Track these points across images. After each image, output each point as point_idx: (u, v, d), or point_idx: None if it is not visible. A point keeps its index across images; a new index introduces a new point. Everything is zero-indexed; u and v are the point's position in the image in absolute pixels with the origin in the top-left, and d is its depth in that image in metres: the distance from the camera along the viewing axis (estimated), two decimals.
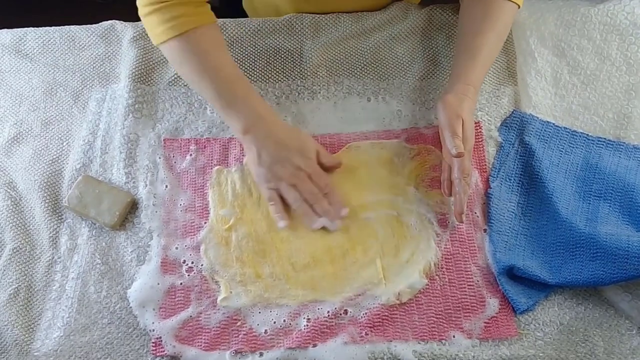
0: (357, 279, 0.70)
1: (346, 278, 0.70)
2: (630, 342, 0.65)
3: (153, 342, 0.67)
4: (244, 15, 0.91)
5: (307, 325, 0.67)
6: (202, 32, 0.72)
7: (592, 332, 0.66)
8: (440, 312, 0.68)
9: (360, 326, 0.67)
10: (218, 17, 0.87)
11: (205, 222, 0.73)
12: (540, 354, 0.65)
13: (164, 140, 0.78)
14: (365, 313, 0.68)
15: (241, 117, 0.72)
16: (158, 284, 0.70)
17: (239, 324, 0.68)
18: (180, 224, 0.73)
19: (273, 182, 0.71)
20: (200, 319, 0.68)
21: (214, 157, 0.77)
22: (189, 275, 0.70)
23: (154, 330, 0.67)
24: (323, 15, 0.87)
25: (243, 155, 0.76)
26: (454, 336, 0.66)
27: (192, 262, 0.71)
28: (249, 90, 0.73)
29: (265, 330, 0.67)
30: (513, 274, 0.69)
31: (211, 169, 0.76)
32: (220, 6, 1.06)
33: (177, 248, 0.72)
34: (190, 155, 0.78)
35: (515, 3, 0.75)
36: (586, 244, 0.67)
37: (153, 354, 0.66)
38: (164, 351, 0.66)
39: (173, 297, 0.69)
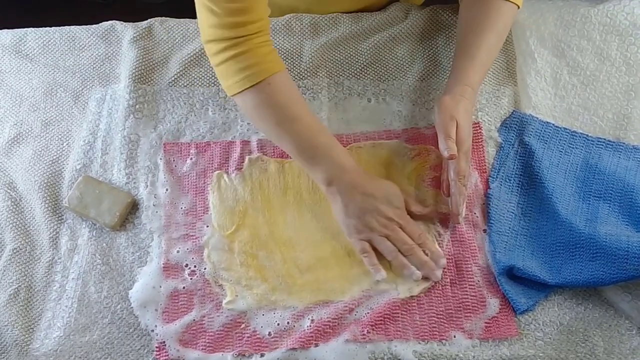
0: (364, 279, 0.70)
1: (352, 278, 0.70)
2: (630, 342, 0.65)
3: (157, 347, 0.67)
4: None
5: (311, 325, 0.67)
6: (277, 81, 0.70)
7: (592, 332, 0.66)
8: (441, 312, 0.68)
9: (362, 325, 0.67)
10: None
11: (207, 226, 0.73)
12: (541, 354, 0.65)
13: (164, 144, 0.78)
14: (368, 313, 0.68)
15: (324, 169, 0.69)
16: (160, 286, 0.70)
17: (242, 326, 0.68)
18: (182, 227, 0.73)
19: (365, 233, 0.69)
20: (203, 322, 0.68)
21: (215, 161, 0.77)
22: (191, 279, 0.70)
23: (157, 335, 0.67)
24: (322, 16, 0.87)
25: (244, 157, 0.77)
26: (454, 336, 0.66)
27: (195, 266, 0.71)
28: (331, 141, 0.71)
29: (269, 332, 0.67)
30: (513, 274, 0.69)
31: (212, 172, 0.76)
32: None
33: (178, 252, 0.72)
34: (191, 159, 0.78)
35: (514, 3, 0.74)
36: (586, 244, 0.67)
37: (157, 358, 0.66)
38: (167, 356, 0.66)
39: (176, 301, 0.69)
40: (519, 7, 0.76)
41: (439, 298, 0.69)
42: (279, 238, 0.72)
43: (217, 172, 0.76)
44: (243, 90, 0.69)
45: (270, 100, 0.69)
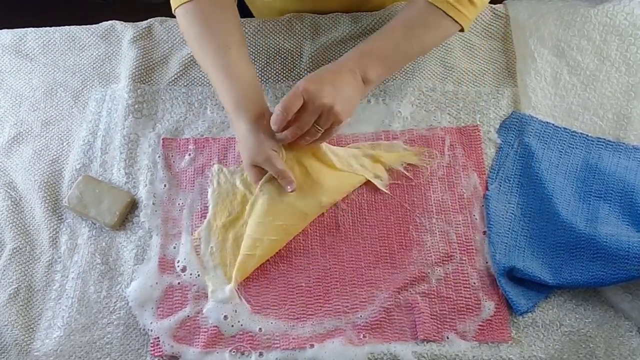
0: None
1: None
2: (630, 342, 0.65)
3: (151, 343, 0.67)
4: (244, 15, 0.91)
5: (308, 327, 0.67)
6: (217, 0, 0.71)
7: (592, 333, 0.66)
8: (435, 314, 0.68)
9: (358, 329, 0.67)
10: None
11: (203, 220, 0.73)
12: (541, 355, 0.65)
13: (162, 139, 0.78)
14: (361, 316, 0.68)
15: (233, 98, 0.70)
16: (157, 283, 0.70)
17: (239, 325, 0.68)
18: (178, 223, 0.74)
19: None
20: (197, 318, 0.68)
21: (213, 157, 0.77)
22: (184, 274, 0.71)
23: (152, 330, 0.67)
24: (323, 16, 0.87)
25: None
26: (447, 337, 0.66)
27: (187, 261, 0.71)
28: (248, 69, 0.71)
29: (260, 328, 0.67)
30: (513, 276, 0.69)
31: (210, 168, 0.76)
32: None
33: (174, 247, 0.72)
34: (189, 154, 0.78)
35: (457, 23, 0.70)
36: (586, 245, 0.67)
37: (152, 354, 0.66)
38: (162, 351, 0.66)
39: (171, 296, 0.70)
40: (462, 29, 0.72)
41: (434, 300, 0.69)
42: (274, 236, 0.72)
43: (217, 165, 0.76)
44: (183, 4, 0.71)
45: (203, 18, 0.71)
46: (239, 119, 0.69)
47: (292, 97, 0.64)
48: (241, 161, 0.76)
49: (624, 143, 0.77)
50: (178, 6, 0.72)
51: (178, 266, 0.71)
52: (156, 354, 0.66)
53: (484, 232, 0.72)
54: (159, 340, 0.67)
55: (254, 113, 0.69)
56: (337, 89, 0.65)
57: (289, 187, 0.68)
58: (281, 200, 0.70)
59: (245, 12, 1.02)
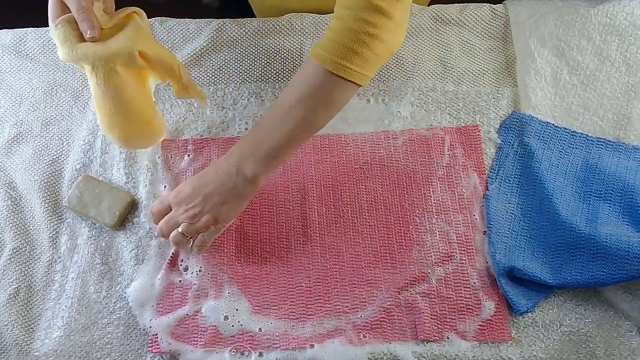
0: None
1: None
2: (630, 342, 0.66)
3: (150, 339, 0.67)
4: (244, 15, 0.91)
5: (308, 327, 0.67)
6: None
7: (592, 333, 0.66)
8: (435, 313, 0.68)
9: (358, 329, 0.67)
10: (218, 17, 0.88)
11: None
12: (541, 355, 0.65)
13: (161, 141, 0.78)
14: (361, 316, 0.68)
15: None
16: (158, 281, 0.70)
17: (239, 325, 0.68)
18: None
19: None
20: (197, 317, 0.68)
21: (212, 158, 0.77)
22: (186, 273, 0.71)
23: (151, 327, 0.68)
24: (323, 16, 0.87)
25: None
26: (447, 337, 0.66)
27: (191, 260, 0.71)
28: None
29: (260, 328, 0.67)
30: (513, 276, 0.69)
31: None
32: (220, 6, 1.06)
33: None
34: (188, 155, 0.78)
35: (355, 83, 0.61)
36: (586, 245, 0.67)
37: (150, 350, 0.66)
38: (159, 348, 0.66)
39: (171, 294, 0.70)
40: (359, 86, 0.63)
41: (434, 300, 0.69)
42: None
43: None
44: None
45: None
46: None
47: (157, 204, 0.69)
48: None
49: (624, 143, 0.77)
50: None
51: (181, 265, 0.71)
52: (154, 351, 0.66)
53: (484, 232, 0.72)
54: (157, 337, 0.67)
55: None
56: (206, 197, 0.66)
57: (88, 31, 0.59)
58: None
59: (245, 12, 1.02)
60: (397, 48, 0.62)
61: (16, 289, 0.71)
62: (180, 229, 0.67)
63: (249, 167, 0.64)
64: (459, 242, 0.72)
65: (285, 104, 0.63)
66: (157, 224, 0.69)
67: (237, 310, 0.68)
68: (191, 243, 0.68)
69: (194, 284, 0.70)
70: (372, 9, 0.57)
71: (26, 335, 0.68)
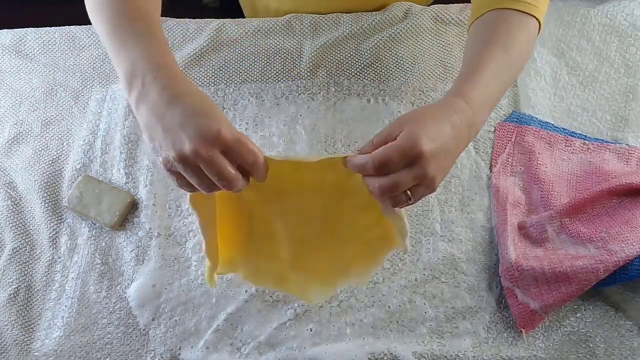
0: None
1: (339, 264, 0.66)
2: (630, 342, 0.66)
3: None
4: (244, 15, 0.91)
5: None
6: None
7: (592, 333, 0.66)
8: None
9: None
10: (218, 17, 0.88)
11: None
12: (541, 355, 0.65)
13: None
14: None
15: (131, 59, 0.52)
16: (160, 282, 0.70)
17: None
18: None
19: (166, 157, 0.49)
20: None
21: None
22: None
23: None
24: (323, 16, 0.87)
25: None
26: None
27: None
28: (154, 28, 0.55)
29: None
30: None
31: None
32: (220, 6, 1.06)
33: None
34: None
35: (535, 17, 0.61)
36: None
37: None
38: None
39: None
40: (539, 23, 0.63)
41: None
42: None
43: None
44: None
45: None
46: (175, 74, 0.51)
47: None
48: None
49: (622, 144, 0.77)
50: None
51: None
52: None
53: (486, 231, 0.72)
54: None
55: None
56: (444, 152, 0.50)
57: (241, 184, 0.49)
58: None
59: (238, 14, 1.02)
60: None
61: (16, 289, 0.71)
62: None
63: (482, 118, 0.56)
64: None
65: (498, 52, 0.58)
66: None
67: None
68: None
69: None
70: None
71: (26, 335, 0.68)
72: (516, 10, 0.60)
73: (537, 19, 0.62)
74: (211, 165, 0.46)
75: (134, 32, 0.54)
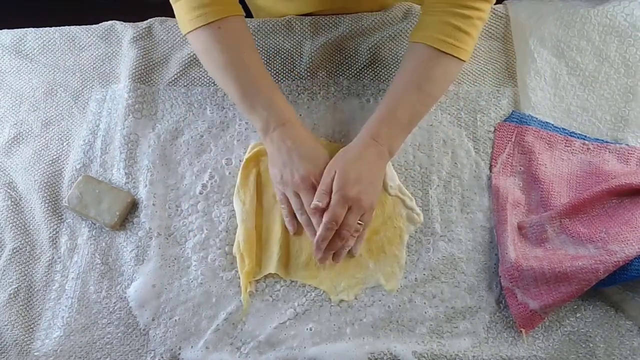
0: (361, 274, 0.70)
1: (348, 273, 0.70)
2: (630, 342, 0.66)
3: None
4: (245, 15, 0.91)
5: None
6: (230, 24, 0.70)
7: (592, 333, 0.66)
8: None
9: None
10: None
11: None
12: (541, 355, 0.65)
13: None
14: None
15: (263, 118, 0.70)
16: (160, 282, 0.70)
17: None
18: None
19: (281, 185, 0.70)
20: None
21: None
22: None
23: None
24: (323, 16, 0.87)
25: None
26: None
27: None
28: (272, 90, 0.71)
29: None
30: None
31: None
32: None
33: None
34: None
35: (459, 59, 0.69)
36: None
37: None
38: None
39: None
40: (464, 62, 0.70)
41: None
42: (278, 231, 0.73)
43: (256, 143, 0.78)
44: (196, 29, 0.69)
45: (219, 42, 0.69)
46: (293, 126, 0.70)
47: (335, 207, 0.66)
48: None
49: (622, 144, 0.77)
50: (193, 30, 0.69)
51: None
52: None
53: (486, 231, 0.72)
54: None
55: None
56: (373, 185, 0.69)
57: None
58: None
59: (245, 12, 1.02)
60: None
61: (16, 289, 0.71)
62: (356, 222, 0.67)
63: (397, 145, 0.71)
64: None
65: (412, 91, 0.70)
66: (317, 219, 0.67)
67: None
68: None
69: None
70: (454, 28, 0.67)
71: (26, 335, 0.68)
72: (441, 51, 0.68)
73: (462, 60, 0.69)
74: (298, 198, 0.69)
75: (260, 98, 0.70)
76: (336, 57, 0.84)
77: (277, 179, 0.70)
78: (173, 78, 0.83)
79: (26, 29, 0.88)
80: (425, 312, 0.68)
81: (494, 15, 0.86)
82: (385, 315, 0.68)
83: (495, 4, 0.86)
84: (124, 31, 0.87)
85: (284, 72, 0.83)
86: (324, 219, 0.66)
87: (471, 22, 0.67)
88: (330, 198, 0.66)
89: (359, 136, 0.70)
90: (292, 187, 0.69)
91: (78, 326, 0.69)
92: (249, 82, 0.70)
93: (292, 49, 0.85)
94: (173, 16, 0.75)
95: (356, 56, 0.84)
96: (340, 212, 0.66)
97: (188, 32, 0.70)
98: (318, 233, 0.66)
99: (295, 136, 0.70)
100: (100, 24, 0.89)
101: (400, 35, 0.85)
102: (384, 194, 0.74)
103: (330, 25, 0.86)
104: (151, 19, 0.87)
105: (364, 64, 0.83)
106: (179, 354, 0.67)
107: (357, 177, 0.67)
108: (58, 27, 0.88)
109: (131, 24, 0.87)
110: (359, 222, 0.67)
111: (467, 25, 0.67)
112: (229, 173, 0.76)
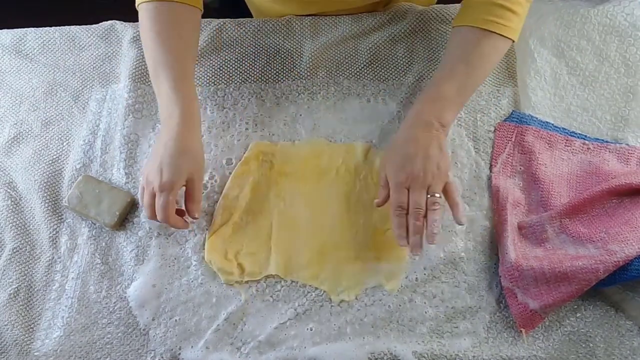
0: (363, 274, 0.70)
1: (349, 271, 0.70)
2: (630, 342, 0.66)
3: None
4: (244, 15, 0.91)
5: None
6: (177, 6, 0.71)
7: (592, 333, 0.66)
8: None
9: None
10: (218, 17, 0.88)
11: (206, 222, 0.73)
12: (541, 355, 0.65)
13: None
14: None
15: (163, 103, 0.70)
16: (160, 282, 0.70)
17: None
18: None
19: (145, 180, 0.69)
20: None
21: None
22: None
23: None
24: (323, 16, 0.87)
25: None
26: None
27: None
28: (172, 77, 0.69)
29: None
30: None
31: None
32: (220, 6, 1.06)
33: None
34: None
35: (508, 38, 0.70)
36: None
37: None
38: None
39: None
40: (513, 42, 0.72)
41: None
42: (278, 229, 0.73)
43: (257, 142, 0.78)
44: (141, 3, 0.71)
45: (152, 20, 0.70)
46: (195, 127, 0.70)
47: (396, 196, 0.66)
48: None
49: (622, 143, 0.77)
50: (140, 3, 0.71)
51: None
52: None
53: (486, 231, 0.72)
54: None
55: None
56: (425, 156, 0.66)
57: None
58: None
59: (245, 12, 1.02)
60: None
61: (16, 289, 0.71)
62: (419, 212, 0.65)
63: (448, 117, 0.69)
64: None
65: (460, 67, 0.69)
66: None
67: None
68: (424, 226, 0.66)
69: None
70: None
71: (26, 335, 0.68)
72: (488, 30, 0.68)
73: (510, 38, 0.70)
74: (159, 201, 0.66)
75: (167, 80, 0.69)
76: (336, 57, 0.84)
77: (145, 171, 0.69)
78: None
79: (26, 29, 0.88)
80: (426, 312, 0.68)
81: None
82: (385, 315, 0.68)
83: None
84: (124, 31, 0.87)
85: (284, 72, 0.83)
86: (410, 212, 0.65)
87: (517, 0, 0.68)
88: (387, 190, 0.67)
89: (408, 117, 0.70)
90: (155, 186, 0.67)
91: (78, 326, 0.69)
92: (158, 59, 0.70)
93: (292, 49, 0.85)
94: None
95: (356, 56, 0.84)
96: (399, 197, 0.65)
97: (138, 5, 0.72)
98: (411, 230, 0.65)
99: (170, 135, 0.68)
100: (100, 24, 0.89)
101: (400, 35, 0.85)
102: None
103: (331, 25, 0.86)
104: None
105: (364, 64, 0.83)
106: (179, 354, 0.67)
107: (405, 159, 0.66)
108: (58, 27, 0.88)
109: (131, 24, 0.87)
110: (432, 195, 0.65)
111: (512, 2, 0.68)
112: (230, 173, 0.76)
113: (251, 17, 0.90)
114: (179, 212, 0.69)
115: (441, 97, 0.69)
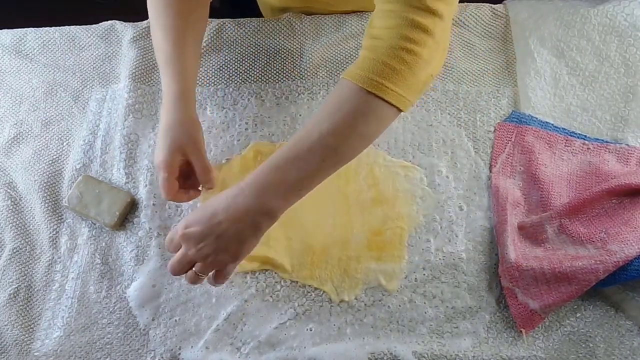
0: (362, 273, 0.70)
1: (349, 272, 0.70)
2: (630, 342, 0.66)
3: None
4: (244, 15, 0.91)
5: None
6: None
7: (592, 333, 0.66)
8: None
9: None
10: (218, 17, 0.88)
11: None
12: (541, 355, 0.65)
13: None
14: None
15: (164, 83, 0.69)
16: (160, 282, 0.70)
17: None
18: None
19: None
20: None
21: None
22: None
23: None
24: (323, 16, 0.87)
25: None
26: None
27: None
28: (170, 60, 0.68)
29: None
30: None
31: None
32: (220, 6, 1.06)
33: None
34: None
35: (395, 107, 0.58)
36: None
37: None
38: None
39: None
40: (400, 111, 0.60)
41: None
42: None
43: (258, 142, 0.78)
44: None
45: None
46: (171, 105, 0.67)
47: (170, 241, 0.62)
48: None
49: (622, 144, 0.77)
50: None
51: None
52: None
53: (486, 231, 0.72)
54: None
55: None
56: (220, 236, 0.58)
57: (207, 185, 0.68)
58: None
59: (246, 12, 1.02)
60: (437, 70, 0.59)
61: (16, 289, 0.71)
62: (195, 269, 0.61)
63: (271, 202, 0.58)
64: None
65: (315, 132, 0.56)
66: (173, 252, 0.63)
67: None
68: (210, 278, 0.63)
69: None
70: (412, 26, 0.55)
71: (26, 335, 0.68)
72: (379, 97, 0.56)
73: (399, 109, 0.58)
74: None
75: (166, 61, 0.68)
76: (337, 57, 0.84)
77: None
78: None
79: (26, 29, 0.88)
80: (426, 312, 0.68)
81: (494, 15, 0.86)
82: (385, 316, 0.68)
83: (495, 4, 0.86)
84: (124, 31, 0.87)
85: (284, 72, 0.83)
86: None
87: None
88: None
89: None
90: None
91: (78, 326, 0.69)
92: (159, 40, 0.69)
93: (292, 49, 0.85)
94: None
95: (356, 56, 0.83)
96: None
97: None
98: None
99: (166, 117, 0.67)
100: (100, 24, 0.89)
101: None
102: (383, 194, 0.73)
103: (331, 25, 0.86)
104: None
105: None
106: (179, 354, 0.67)
107: (203, 230, 0.60)
108: (58, 27, 0.88)
109: (131, 24, 0.87)
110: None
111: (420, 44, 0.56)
112: None
113: (251, 16, 0.89)
114: (191, 186, 0.69)
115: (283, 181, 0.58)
